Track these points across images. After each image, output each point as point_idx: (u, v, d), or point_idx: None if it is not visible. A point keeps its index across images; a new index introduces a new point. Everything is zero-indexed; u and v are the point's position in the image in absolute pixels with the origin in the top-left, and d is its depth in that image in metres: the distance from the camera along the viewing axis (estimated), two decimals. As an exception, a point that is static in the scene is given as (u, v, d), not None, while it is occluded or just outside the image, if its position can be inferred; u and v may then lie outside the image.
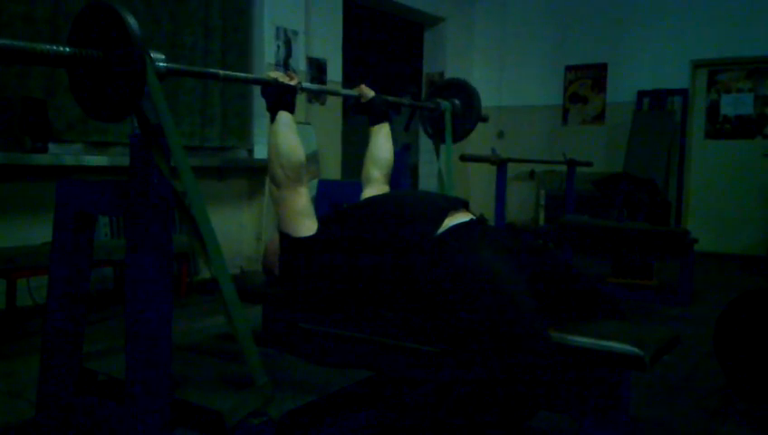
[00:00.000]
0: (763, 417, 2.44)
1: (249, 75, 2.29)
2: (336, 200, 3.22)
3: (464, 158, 4.58)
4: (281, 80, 1.96)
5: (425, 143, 7.59)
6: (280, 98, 1.96)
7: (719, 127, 6.95)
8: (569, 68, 7.53)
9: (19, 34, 3.51)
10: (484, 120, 2.91)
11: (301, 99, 5.58)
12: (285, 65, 5.28)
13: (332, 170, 5.87)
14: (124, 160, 2.92)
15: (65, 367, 1.77)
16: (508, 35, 7.86)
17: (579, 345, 1.63)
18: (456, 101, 2.85)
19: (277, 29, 5.20)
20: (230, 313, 1.46)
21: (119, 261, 3.74)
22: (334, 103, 5.96)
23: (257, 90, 5.37)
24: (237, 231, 4.98)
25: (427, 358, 1.73)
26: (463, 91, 2.88)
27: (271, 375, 1.52)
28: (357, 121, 8.22)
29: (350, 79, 7.15)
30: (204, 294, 4.26)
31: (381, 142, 2.39)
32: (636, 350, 1.57)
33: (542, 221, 7.17)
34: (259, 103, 5.08)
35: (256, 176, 5.11)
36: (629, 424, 1.72)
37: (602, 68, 7.33)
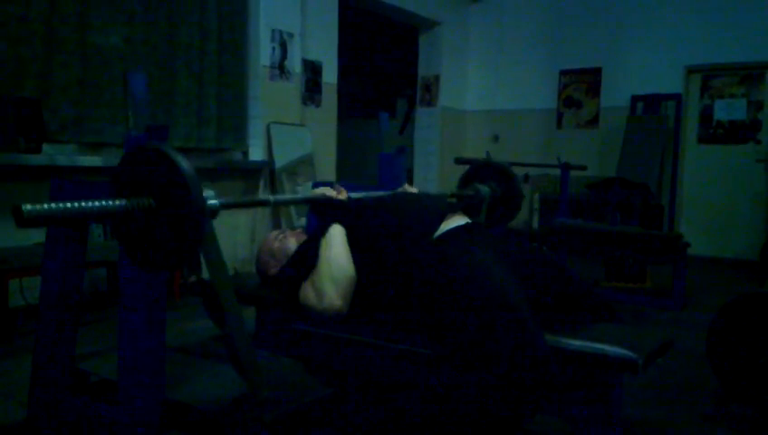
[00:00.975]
0: (756, 420, 2.45)
1: (297, 196, 2.19)
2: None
3: (459, 161, 4.60)
4: (328, 194, 1.93)
5: (420, 147, 7.61)
6: (332, 213, 1.92)
7: (712, 132, 6.98)
8: (563, 72, 7.55)
9: (15, 35, 3.50)
10: (522, 198, 2.76)
11: (296, 101, 5.60)
12: (281, 67, 5.28)
13: (327, 172, 5.88)
14: (117, 161, 2.91)
15: (58, 368, 1.76)
16: (503, 39, 7.88)
17: (573, 348, 1.63)
18: (495, 186, 2.70)
19: (273, 31, 5.20)
20: (227, 315, 1.46)
21: (112, 262, 3.72)
22: (330, 106, 5.96)
23: (253, 91, 5.37)
24: (232, 232, 4.97)
25: (423, 361, 1.73)
26: (502, 175, 2.72)
27: (264, 377, 1.51)
28: (351, 124, 8.23)
29: (345, 81, 7.16)
30: (196, 296, 4.25)
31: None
32: (629, 353, 1.58)
33: (536, 224, 7.18)
34: (254, 105, 5.09)
35: (251, 178, 5.11)
36: (623, 427, 1.72)
37: (597, 72, 7.36)
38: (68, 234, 1.71)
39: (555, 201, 6.49)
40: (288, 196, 2.06)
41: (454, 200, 2.53)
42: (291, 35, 5.36)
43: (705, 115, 7.00)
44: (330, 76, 5.88)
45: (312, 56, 5.68)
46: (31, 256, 3.16)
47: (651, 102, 6.96)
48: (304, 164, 5.49)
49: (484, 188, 2.67)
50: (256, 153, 5.13)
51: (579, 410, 1.67)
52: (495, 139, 7.90)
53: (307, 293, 1.83)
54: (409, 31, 7.92)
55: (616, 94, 7.20)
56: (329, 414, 1.74)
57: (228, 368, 1.81)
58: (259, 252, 2.15)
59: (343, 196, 1.95)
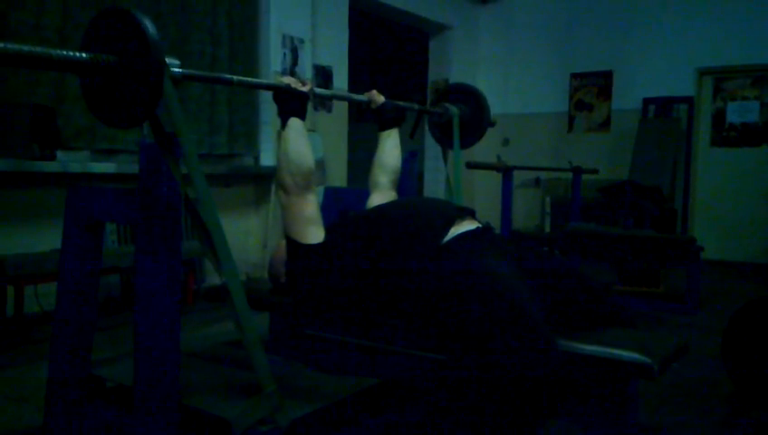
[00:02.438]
0: (772, 426, 2.43)
1: (262, 81, 2.29)
2: (342, 208, 3.22)
3: (470, 165, 4.59)
4: (293, 85, 1.97)
5: (431, 150, 7.59)
6: (292, 104, 1.97)
7: (725, 135, 6.94)
8: (574, 75, 7.53)
9: (28, 41, 3.53)
10: (492, 124, 2.89)
11: (308, 107, 5.60)
12: (292, 73, 5.30)
13: (338, 178, 5.89)
14: (131, 168, 2.93)
15: (73, 374, 1.77)
16: (513, 43, 7.87)
17: (587, 353, 1.63)
18: (464, 107, 2.82)
19: (284, 37, 5.22)
20: (240, 320, 1.46)
21: (126, 268, 3.75)
22: (340, 111, 5.97)
23: (264, 98, 5.39)
24: (243, 238, 4.99)
25: (435, 366, 1.73)
26: (471, 96, 2.85)
27: (278, 382, 1.52)
28: (363, 129, 8.23)
29: (355, 86, 7.17)
30: (210, 301, 4.27)
31: (389, 148, 2.39)
32: (644, 358, 1.57)
33: (547, 229, 7.15)
34: (265, 111, 5.10)
35: (263, 183, 5.13)
36: (637, 432, 1.71)
37: (608, 75, 7.33)
38: (84, 238, 1.72)
39: (567, 205, 6.46)
40: (252, 79, 2.11)
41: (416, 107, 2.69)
42: (301, 41, 5.38)
43: (718, 118, 6.95)
44: (340, 81, 5.90)
45: (322, 61, 5.69)
46: (46, 263, 3.18)
47: (663, 105, 6.92)
48: (316, 169, 5.49)
49: (453, 108, 2.78)
50: (267, 158, 5.15)
51: (593, 416, 1.66)
52: (506, 142, 7.89)
53: (279, 198, 1.93)
54: (419, 35, 7.92)
55: (627, 97, 7.17)
56: (342, 419, 1.75)
57: (243, 373, 1.82)
58: (271, 259, 2.15)
59: (307, 88, 1.98)
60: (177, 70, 1.50)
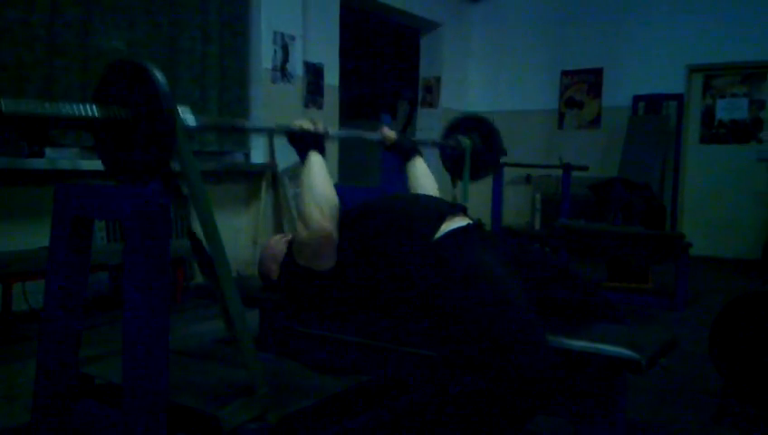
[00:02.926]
0: (760, 419, 2.45)
1: (275, 126, 2.28)
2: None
3: (460, 162, 4.58)
4: (306, 127, 1.95)
5: (421, 149, 7.58)
6: (308, 143, 1.95)
7: (714, 131, 6.98)
8: (565, 72, 7.55)
9: (17, 39, 3.51)
10: (505, 154, 2.83)
11: (298, 103, 5.60)
12: (282, 70, 5.29)
13: (330, 175, 5.87)
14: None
15: (61, 371, 1.76)
16: (504, 40, 7.88)
17: (575, 348, 1.63)
18: (477, 138, 2.74)
19: (274, 34, 5.21)
20: (232, 317, 1.46)
21: (115, 265, 3.73)
22: (332, 109, 5.96)
23: (254, 95, 5.38)
24: (234, 235, 4.98)
25: (425, 362, 1.73)
26: (483, 127, 2.77)
27: (268, 379, 1.52)
28: (354, 127, 8.23)
29: (346, 84, 7.16)
30: (199, 299, 4.26)
31: (421, 176, 2.34)
32: (632, 353, 1.58)
33: (538, 225, 7.18)
34: (256, 109, 5.10)
35: (253, 180, 5.12)
36: (626, 428, 1.72)
37: (598, 73, 7.36)
38: (72, 236, 1.71)
39: (557, 202, 6.48)
40: (265, 125, 2.11)
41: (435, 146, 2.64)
42: (292, 38, 5.36)
43: (707, 115, 6.99)
44: (331, 78, 5.89)
45: (313, 59, 5.68)
46: (34, 261, 3.16)
47: (653, 102, 6.96)
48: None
49: (466, 140, 2.72)
50: (258, 156, 5.13)
51: (581, 411, 1.67)
52: (497, 140, 7.89)
53: (298, 230, 1.88)
54: (410, 32, 7.92)
55: (617, 94, 7.20)
56: (332, 416, 1.75)
57: (232, 371, 1.81)
58: (261, 255, 2.15)
59: (320, 128, 1.98)
60: (190, 120, 1.47)
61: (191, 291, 4.38)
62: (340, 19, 6.01)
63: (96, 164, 3.74)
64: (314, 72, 5.70)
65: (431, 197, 2.21)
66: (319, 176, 1.91)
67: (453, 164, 2.81)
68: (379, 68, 9.37)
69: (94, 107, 1.34)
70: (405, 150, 2.37)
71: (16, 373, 2.73)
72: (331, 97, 5.94)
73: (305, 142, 1.95)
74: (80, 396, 1.81)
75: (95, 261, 3.40)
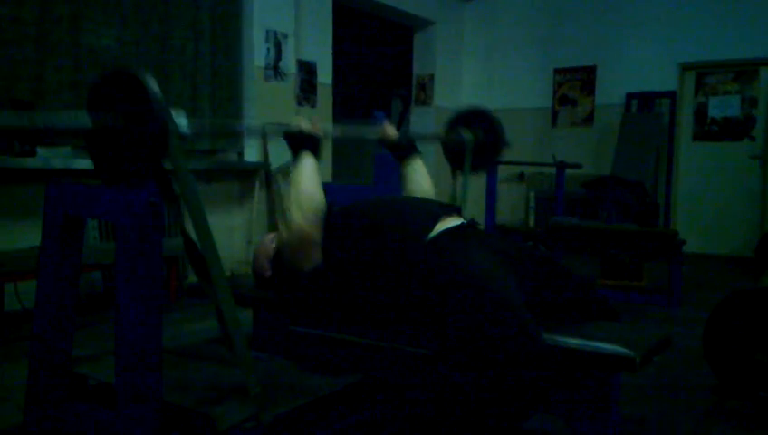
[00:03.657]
0: (754, 416, 2.45)
1: (272, 126, 2.28)
2: (327, 202, 3.20)
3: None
4: (304, 127, 1.95)
5: (418, 143, 7.58)
6: (304, 143, 1.96)
7: (707, 129, 7.00)
8: (558, 70, 7.56)
9: (7, 37, 3.49)
10: (508, 145, 2.82)
11: (291, 101, 5.58)
12: (275, 68, 5.27)
13: (323, 172, 5.85)
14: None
15: (54, 372, 1.75)
16: (497, 38, 7.88)
17: (569, 346, 1.63)
18: (479, 132, 2.73)
19: (267, 31, 5.19)
20: (225, 317, 1.46)
21: (108, 265, 3.71)
22: (325, 107, 5.95)
23: (247, 93, 5.35)
24: (227, 235, 4.96)
25: (420, 361, 1.73)
26: (485, 120, 2.76)
27: (262, 379, 1.51)
28: (347, 124, 8.21)
29: (339, 82, 7.15)
30: (193, 298, 4.24)
31: (418, 180, 2.33)
32: (626, 351, 1.58)
33: (532, 223, 7.19)
34: (249, 107, 5.08)
35: (246, 179, 5.10)
36: (620, 425, 1.73)
37: (591, 70, 7.37)
38: (63, 235, 1.70)
39: (551, 200, 6.50)
40: (259, 124, 2.10)
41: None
42: (285, 36, 5.35)
43: (700, 112, 7.02)
44: (324, 76, 5.87)
45: (306, 57, 5.67)
46: (27, 260, 3.14)
47: (646, 100, 6.98)
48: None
49: (468, 134, 2.71)
50: (251, 154, 5.12)
51: (576, 409, 1.67)
52: (491, 137, 7.89)
53: (280, 230, 1.89)
54: (404, 30, 7.91)
55: (611, 92, 7.22)
56: (326, 415, 1.74)
57: (226, 370, 1.81)
58: (255, 255, 2.14)
59: (317, 129, 1.97)
60: (183, 125, 1.47)
61: (185, 290, 4.36)
62: (333, 17, 5.99)
63: (88, 163, 3.73)
64: (307, 70, 5.69)
65: (425, 198, 2.21)
66: (307, 177, 1.91)
67: (454, 156, 2.81)
68: (373, 66, 9.36)
69: (87, 118, 1.37)
70: (404, 149, 2.34)
71: (9, 374, 2.71)
72: (325, 95, 5.93)
73: (301, 143, 1.95)
74: (73, 396, 1.80)
75: (89, 260, 3.39)
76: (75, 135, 1.38)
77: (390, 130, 2.33)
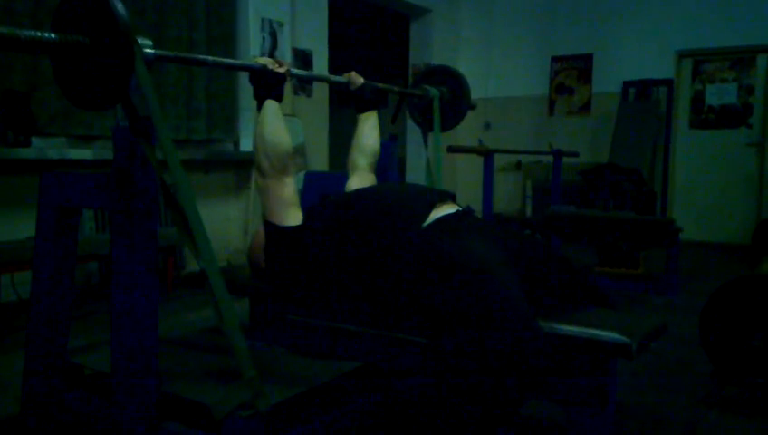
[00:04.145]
0: (749, 402, 2.47)
1: (237, 61, 2.26)
2: (323, 192, 3.20)
3: (451, 149, 4.58)
4: (269, 66, 1.94)
5: (412, 134, 7.57)
6: (268, 85, 1.95)
7: (704, 117, 6.99)
8: (555, 59, 7.54)
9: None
10: (473, 107, 2.87)
11: (287, 91, 5.55)
12: (271, 57, 5.24)
13: (319, 163, 5.86)
14: (108, 154, 2.90)
15: (50, 362, 1.75)
16: (494, 26, 7.85)
17: (566, 333, 1.64)
18: (445, 89, 2.80)
19: (262, 20, 5.16)
20: (218, 305, 1.45)
21: (104, 255, 3.71)
22: (321, 96, 5.93)
23: (243, 82, 5.34)
24: (224, 224, 4.96)
25: (416, 348, 1.73)
26: (451, 78, 2.83)
27: (258, 367, 1.51)
28: (343, 113, 8.19)
29: (336, 70, 7.12)
30: (191, 288, 4.24)
31: (368, 130, 2.38)
32: (623, 338, 1.58)
33: (528, 212, 7.19)
34: (245, 96, 5.05)
35: (243, 169, 5.09)
36: (616, 412, 1.73)
37: (588, 59, 7.35)
38: (58, 225, 1.69)
39: (547, 188, 6.49)
40: (228, 60, 2.09)
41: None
42: (280, 24, 5.32)
43: (697, 100, 7.01)
44: (320, 66, 5.85)
45: (302, 45, 5.64)
46: (22, 251, 3.14)
47: (643, 88, 6.96)
48: (296, 154, 5.46)
49: (434, 90, 2.76)
50: (247, 144, 5.10)
51: (572, 396, 1.67)
52: (487, 126, 7.89)
53: (255, 180, 1.91)
54: (400, 19, 7.88)
55: (607, 80, 7.20)
56: (324, 403, 1.74)
57: (222, 359, 1.81)
58: (251, 244, 2.14)
59: (283, 69, 1.97)
60: (149, 51, 1.46)
61: (182, 280, 4.36)
62: (328, 5, 5.96)
63: (83, 153, 3.73)
64: (303, 59, 5.66)
65: (420, 185, 2.21)
66: (270, 123, 1.91)
67: (421, 114, 2.83)
68: (369, 54, 9.32)
69: (51, 33, 1.36)
70: (365, 100, 2.39)
71: (5, 365, 2.71)
72: (321, 84, 5.91)
73: (264, 85, 1.94)
74: (69, 386, 1.80)
75: (85, 251, 3.39)
76: (43, 52, 1.38)
77: (356, 78, 2.36)
